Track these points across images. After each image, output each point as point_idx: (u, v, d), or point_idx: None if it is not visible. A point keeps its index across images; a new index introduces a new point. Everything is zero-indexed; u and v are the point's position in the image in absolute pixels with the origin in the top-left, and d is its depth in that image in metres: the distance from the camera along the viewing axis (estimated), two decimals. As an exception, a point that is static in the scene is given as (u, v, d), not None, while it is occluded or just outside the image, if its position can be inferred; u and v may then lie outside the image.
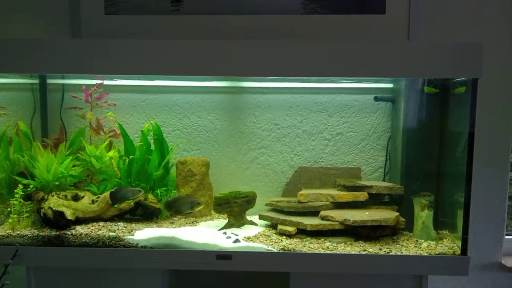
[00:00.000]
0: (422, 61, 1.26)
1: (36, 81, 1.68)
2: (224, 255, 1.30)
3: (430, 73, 1.30)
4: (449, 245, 1.35)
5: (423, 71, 1.29)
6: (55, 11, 1.66)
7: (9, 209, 1.43)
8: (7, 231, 1.37)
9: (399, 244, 1.35)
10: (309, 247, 1.32)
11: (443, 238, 1.42)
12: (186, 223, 1.53)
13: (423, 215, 1.40)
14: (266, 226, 1.53)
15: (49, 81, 1.69)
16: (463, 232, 1.29)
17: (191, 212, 1.45)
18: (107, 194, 1.47)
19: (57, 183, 1.48)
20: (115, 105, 1.69)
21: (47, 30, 1.67)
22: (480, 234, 1.69)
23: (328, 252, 1.30)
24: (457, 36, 1.62)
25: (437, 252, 1.30)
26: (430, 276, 1.36)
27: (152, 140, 1.61)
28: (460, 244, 1.30)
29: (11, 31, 1.68)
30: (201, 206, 1.45)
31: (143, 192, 1.44)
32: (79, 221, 1.42)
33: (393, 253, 1.29)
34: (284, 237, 1.40)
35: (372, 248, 1.31)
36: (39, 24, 1.67)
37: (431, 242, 1.37)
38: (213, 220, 1.59)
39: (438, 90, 1.46)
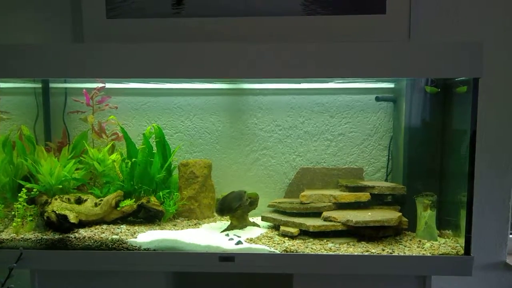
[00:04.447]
0: (423, 61, 1.26)
1: (39, 85, 1.70)
2: (226, 257, 1.30)
3: (431, 73, 1.30)
4: (452, 245, 1.34)
5: (424, 71, 1.29)
6: (56, 15, 1.67)
7: (13, 212, 1.44)
8: (11, 235, 1.38)
9: (402, 245, 1.35)
10: (312, 248, 1.32)
11: (447, 238, 1.41)
12: (189, 225, 1.54)
13: (426, 215, 1.40)
14: (269, 227, 1.53)
15: (52, 85, 1.70)
16: (466, 232, 1.28)
17: (240, 205, 1.44)
18: (110, 197, 1.48)
19: (60, 186, 1.48)
20: (116, 108, 1.69)
21: (49, 35, 1.68)
22: (484, 234, 1.68)
23: (330, 253, 1.30)
24: (458, 36, 1.62)
25: (440, 252, 1.30)
26: (434, 276, 1.36)
27: (154, 143, 1.61)
28: (463, 244, 1.29)
29: (13, 36, 1.69)
30: (246, 195, 1.45)
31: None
32: (82, 224, 1.43)
33: (396, 253, 1.29)
34: (287, 238, 1.40)
35: (375, 249, 1.31)
36: (41, 29, 1.69)
37: (434, 242, 1.37)
38: (215, 222, 1.59)
39: (439, 90, 1.46)
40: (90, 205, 1.45)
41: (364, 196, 1.47)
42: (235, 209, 1.44)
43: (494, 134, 1.65)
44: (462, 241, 1.31)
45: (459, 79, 1.36)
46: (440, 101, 1.50)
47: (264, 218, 1.53)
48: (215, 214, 1.63)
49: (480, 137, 1.62)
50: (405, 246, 1.34)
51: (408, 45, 1.38)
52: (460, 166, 1.35)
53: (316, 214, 1.45)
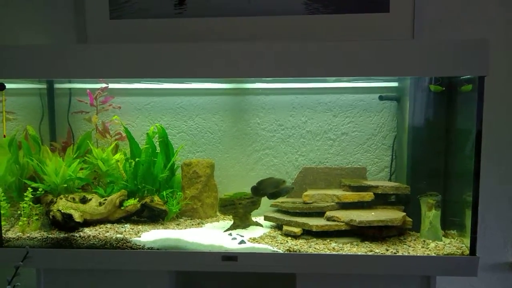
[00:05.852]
0: (427, 59, 1.24)
1: (44, 86, 1.71)
2: (229, 256, 1.30)
3: (435, 71, 1.29)
4: (457, 245, 1.33)
5: (428, 70, 1.27)
6: (60, 16, 1.68)
7: (19, 212, 1.46)
8: (18, 234, 1.40)
9: (406, 245, 1.34)
10: (315, 248, 1.31)
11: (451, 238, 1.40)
12: (192, 224, 1.54)
13: (430, 215, 1.39)
14: (272, 227, 1.53)
15: (57, 85, 1.72)
16: (471, 232, 1.27)
17: (276, 191, 1.46)
18: (114, 196, 1.49)
19: (65, 186, 1.50)
20: (119, 108, 1.71)
21: (53, 36, 1.70)
22: (489, 234, 1.67)
23: (334, 253, 1.29)
24: (462, 34, 1.60)
25: (445, 253, 1.28)
26: (438, 277, 1.35)
27: (158, 143, 1.62)
28: (468, 244, 1.28)
29: (17, 38, 1.71)
30: (285, 184, 1.48)
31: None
32: (87, 223, 1.44)
33: (400, 253, 1.28)
34: (290, 238, 1.40)
35: (378, 249, 1.30)
36: (44, 30, 1.70)
37: (439, 242, 1.36)
38: (218, 222, 1.60)
39: (444, 88, 1.45)
40: (94, 205, 1.47)
41: (368, 196, 1.46)
42: (268, 194, 1.45)
43: (499, 133, 1.63)
44: (467, 241, 1.30)
45: (464, 77, 1.35)
46: (444, 100, 1.48)
47: (267, 218, 1.53)
48: (218, 213, 1.64)
49: (485, 135, 1.60)
50: (409, 246, 1.33)
51: (412, 43, 1.37)
52: (465, 166, 1.33)
53: (319, 213, 1.45)
